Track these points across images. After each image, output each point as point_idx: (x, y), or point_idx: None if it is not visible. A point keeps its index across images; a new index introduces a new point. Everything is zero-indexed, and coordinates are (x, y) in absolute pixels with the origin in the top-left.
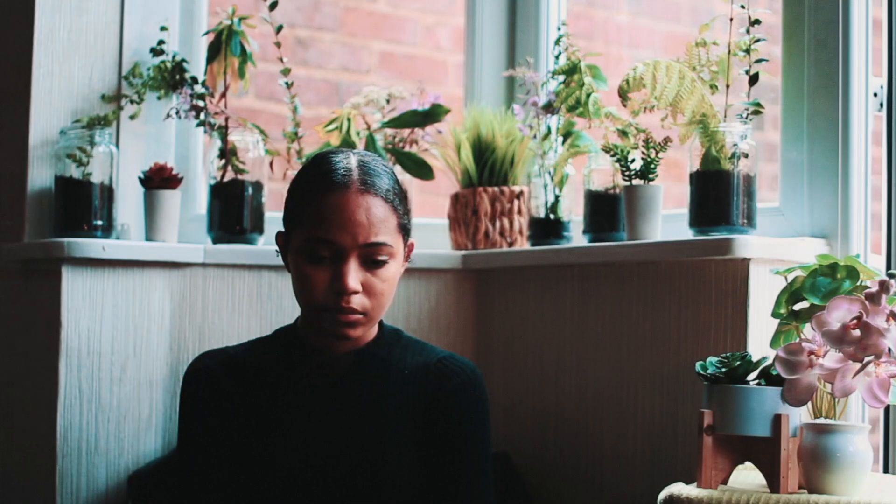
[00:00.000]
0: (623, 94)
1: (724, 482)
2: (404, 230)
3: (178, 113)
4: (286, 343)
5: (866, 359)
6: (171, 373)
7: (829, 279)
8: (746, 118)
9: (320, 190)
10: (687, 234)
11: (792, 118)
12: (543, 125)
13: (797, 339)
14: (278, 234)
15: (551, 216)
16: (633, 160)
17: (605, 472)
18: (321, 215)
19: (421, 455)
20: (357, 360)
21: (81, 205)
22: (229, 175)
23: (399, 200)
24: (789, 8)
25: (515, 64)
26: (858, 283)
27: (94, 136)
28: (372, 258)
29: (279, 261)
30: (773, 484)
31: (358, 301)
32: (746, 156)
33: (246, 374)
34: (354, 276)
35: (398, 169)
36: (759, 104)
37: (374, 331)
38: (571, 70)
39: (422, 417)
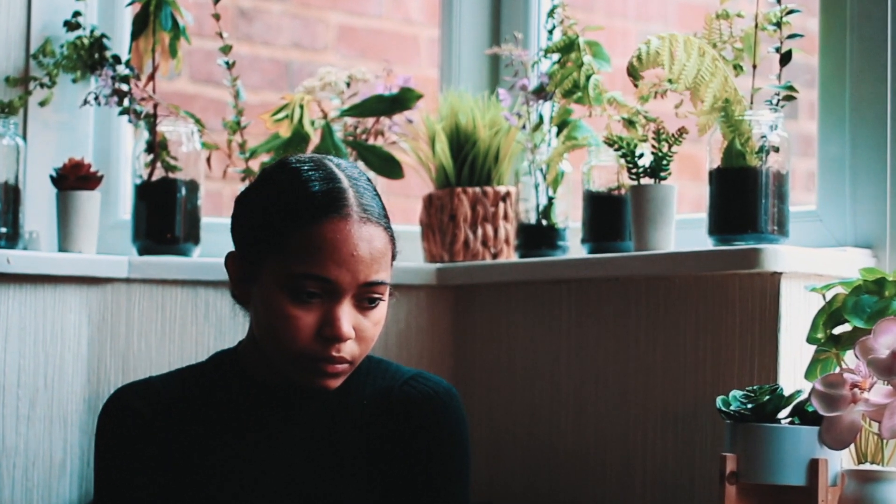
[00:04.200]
0: (634, 73)
1: None
2: (394, 258)
3: (97, 99)
4: (225, 373)
5: None
6: (89, 409)
7: (875, 297)
8: (777, 105)
9: (311, 214)
10: (706, 243)
11: (831, 105)
12: (534, 113)
13: (837, 370)
14: (229, 258)
15: (543, 222)
16: (641, 155)
17: None
18: (314, 247)
19: (389, 500)
20: (310, 392)
21: None
22: (159, 173)
23: (389, 222)
24: None
25: (501, 40)
26: None
27: None
28: (367, 298)
29: (218, 275)
30: None
31: (348, 349)
32: (777, 150)
33: (176, 411)
34: (348, 320)
35: (360, 166)
36: (791, 88)
37: None
38: (568, 47)
39: (386, 454)
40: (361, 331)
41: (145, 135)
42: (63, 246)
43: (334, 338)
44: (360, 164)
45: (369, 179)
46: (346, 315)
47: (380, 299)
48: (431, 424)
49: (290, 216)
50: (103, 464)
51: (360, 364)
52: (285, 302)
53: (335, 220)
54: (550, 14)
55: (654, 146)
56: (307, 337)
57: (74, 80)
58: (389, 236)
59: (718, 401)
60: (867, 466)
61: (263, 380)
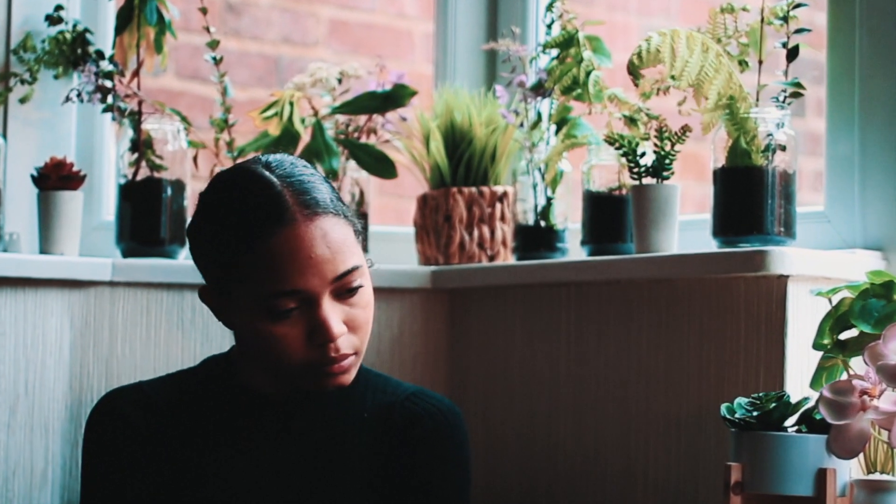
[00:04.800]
0: (634, 71)
1: None
2: (358, 235)
3: (79, 95)
4: (218, 379)
5: None
6: (72, 416)
7: (883, 301)
8: (784, 102)
9: (255, 234)
10: (710, 245)
11: (839, 102)
12: (532, 111)
13: (844, 376)
14: (203, 292)
15: (542, 223)
16: (643, 154)
17: None
18: (270, 265)
19: None
20: (307, 401)
21: None
22: (143, 172)
23: (342, 202)
24: None
25: (498, 35)
26: None
27: None
28: (346, 289)
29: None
30: None
31: (348, 342)
32: (784, 148)
33: (168, 417)
34: (335, 317)
35: (352, 165)
36: (799, 84)
37: None
38: (567, 42)
39: (384, 471)
40: (353, 320)
41: (130, 133)
42: (44, 248)
43: (327, 340)
44: (352, 163)
45: (307, 164)
46: (332, 314)
47: (360, 284)
48: (433, 442)
49: (235, 242)
50: (90, 470)
51: (358, 376)
52: (266, 323)
53: (280, 231)
54: (549, 8)
55: (656, 145)
56: (301, 349)
57: (56, 77)
58: (343, 217)
59: (723, 408)
60: (877, 476)
61: (259, 388)
